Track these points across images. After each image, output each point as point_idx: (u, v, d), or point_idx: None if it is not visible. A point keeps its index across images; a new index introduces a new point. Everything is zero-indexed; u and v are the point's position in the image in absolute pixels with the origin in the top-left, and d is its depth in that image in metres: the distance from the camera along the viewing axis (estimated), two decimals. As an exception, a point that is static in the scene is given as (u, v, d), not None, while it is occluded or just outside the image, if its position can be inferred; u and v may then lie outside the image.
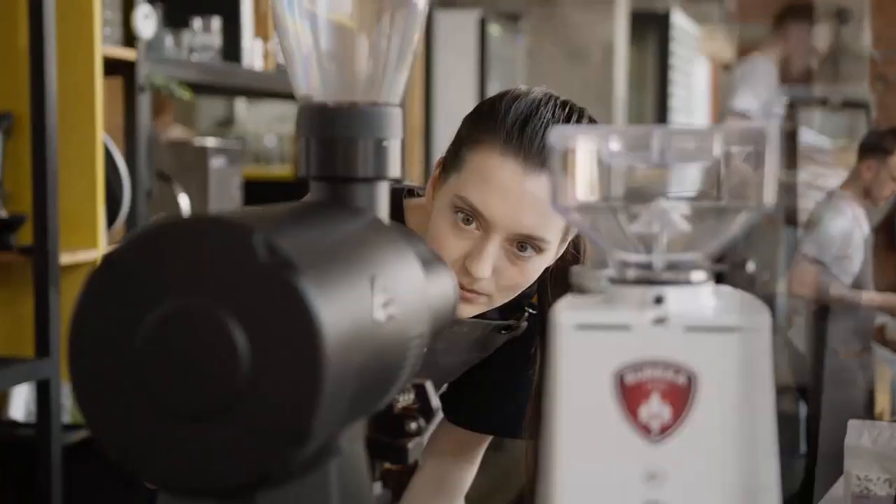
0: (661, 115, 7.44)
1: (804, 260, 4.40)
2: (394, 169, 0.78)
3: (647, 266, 0.69)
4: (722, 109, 4.64)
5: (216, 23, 3.21)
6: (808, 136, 4.68)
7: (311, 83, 0.78)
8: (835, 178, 4.42)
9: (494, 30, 5.27)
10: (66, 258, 2.46)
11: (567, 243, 1.34)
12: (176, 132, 4.35)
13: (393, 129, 0.78)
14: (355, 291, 0.64)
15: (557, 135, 0.68)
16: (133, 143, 2.76)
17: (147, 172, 2.85)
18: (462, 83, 5.03)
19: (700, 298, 0.68)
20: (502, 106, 1.26)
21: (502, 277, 1.27)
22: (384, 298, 0.68)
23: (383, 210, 0.78)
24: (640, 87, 7.36)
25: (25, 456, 2.48)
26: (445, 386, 1.52)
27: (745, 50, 8.80)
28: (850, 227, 4.47)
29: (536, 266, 1.28)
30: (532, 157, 1.23)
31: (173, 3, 3.13)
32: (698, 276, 0.69)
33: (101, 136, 2.58)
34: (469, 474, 1.51)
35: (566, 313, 0.67)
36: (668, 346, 0.66)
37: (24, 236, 2.46)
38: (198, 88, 3.29)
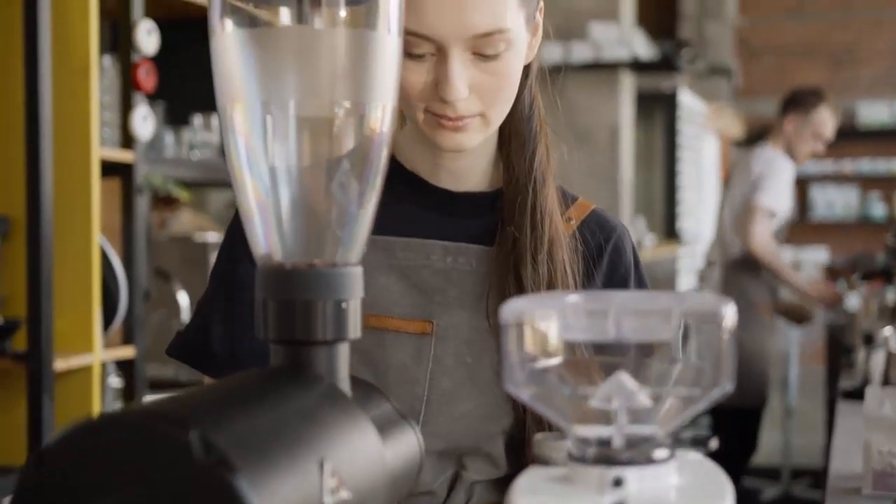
0: (670, 193, 7.44)
1: (761, 212, 4.33)
2: (354, 330, 0.76)
3: (607, 442, 0.67)
4: (739, 201, 4.53)
5: (216, 120, 3.22)
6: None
7: (269, 243, 0.76)
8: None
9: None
10: (60, 364, 2.44)
11: (539, 31, 1.24)
12: (185, 217, 4.35)
13: (353, 289, 0.76)
14: (301, 480, 0.62)
15: (510, 310, 0.66)
16: (130, 243, 2.75)
17: (145, 272, 2.85)
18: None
19: (663, 478, 0.66)
20: None
21: (483, 90, 1.15)
22: (335, 481, 0.65)
23: (342, 372, 0.76)
24: (649, 166, 7.37)
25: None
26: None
27: (752, 125, 8.85)
28: (791, 183, 4.48)
29: (512, 63, 1.16)
30: None
31: (174, 101, 3.15)
32: (660, 454, 0.66)
33: (97, 240, 2.57)
34: None
35: (523, 498, 0.65)
36: (626, 533, 0.63)
37: (19, 341, 2.45)
38: (198, 183, 3.30)
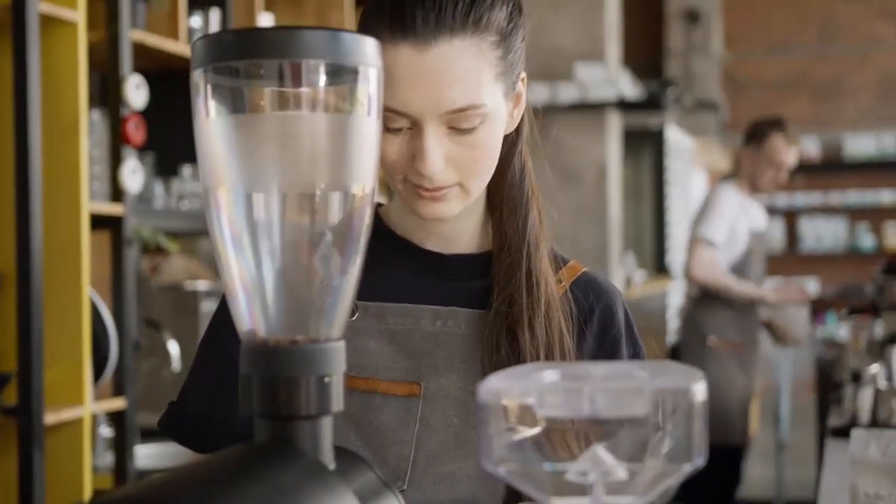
0: (659, 228, 7.48)
1: (700, 242, 4.43)
2: (337, 403, 0.78)
3: (585, 515, 0.69)
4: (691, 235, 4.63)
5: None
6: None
7: (253, 319, 0.78)
8: None
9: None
10: (51, 417, 2.45)
11: (523, 100, 1.24)
12: (177, 263, 4.36)
13: (335, 364, 0.77)
14: (285, 560, 0.64)
15: (487, 389, 0.68)
16: (120, 295, 2.76)
17: (135, 324, 2.86)
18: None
19: (638, 550, 0.67)
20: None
21: (460, 163, 1.16)
22: (318, 559, 0.67)
23: (326, 445, 0.77)
24: (637, 202, 7.41)
25: None
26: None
27: (739, 159, 8.92)
28: (737, 214, 4.49)
29: (489, 135, 1.17)
30: (420, 31, 1.12)
31: (163, 152, 3.17)
32: (636, 526, 0.68)
33: (87, 293, 2.58)
34: None
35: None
36: None
37: (9, 395, 2.45)
38: (189, 233, 3.31)
